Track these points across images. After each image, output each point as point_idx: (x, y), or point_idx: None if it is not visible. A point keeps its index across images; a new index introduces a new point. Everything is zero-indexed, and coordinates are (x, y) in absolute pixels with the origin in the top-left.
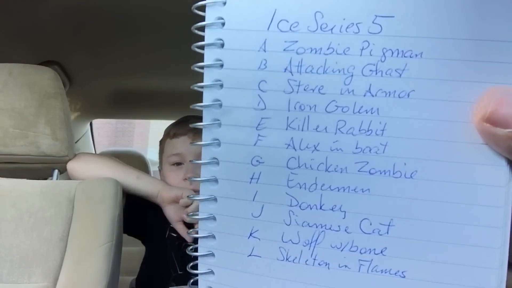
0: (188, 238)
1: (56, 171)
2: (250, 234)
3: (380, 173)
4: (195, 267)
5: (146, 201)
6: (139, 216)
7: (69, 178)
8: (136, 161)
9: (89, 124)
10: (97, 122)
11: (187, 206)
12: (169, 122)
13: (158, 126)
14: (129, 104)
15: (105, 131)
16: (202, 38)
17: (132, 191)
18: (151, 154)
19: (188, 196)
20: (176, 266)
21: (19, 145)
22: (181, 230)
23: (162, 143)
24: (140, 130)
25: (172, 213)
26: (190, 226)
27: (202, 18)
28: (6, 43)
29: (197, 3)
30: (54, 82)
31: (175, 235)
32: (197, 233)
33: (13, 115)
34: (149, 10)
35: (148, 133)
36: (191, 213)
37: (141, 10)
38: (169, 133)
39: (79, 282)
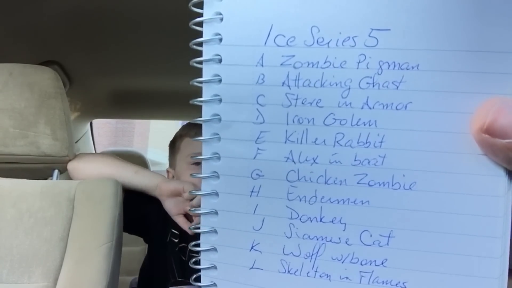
0: (189, 231)
1: (56, 171)
2: (252, 247)
3: (379, 185)
4: (198, 279)
5: (147, 199)
6: (138, 214)
7: (69, 178)
8: (136, 161)
9: (89, 124)
10: (97, 122)
11: (190, 200)
12: (169, 122)
13: (158, 126)
14: (129, 104)
15: (105, 131)
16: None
17: (130, 186)
18: (151, 154)
19: (190, 210)
20: (175, 272)
21: (19, 145)
22: (182, 223)
23: (177, 142)
24: (140, 130)
25: (172, 207)
26: (191, 219)
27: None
28: (6, 43)
29: (195, 19)
30: (54, 82)
31: (175, 240)
32: (199, 246)
33: (13, 115)
34: (149, 10)
35: (148, 133)
36: (193, 226)
37: (141, 10)
38: (189, 133)
39: (79, 282)
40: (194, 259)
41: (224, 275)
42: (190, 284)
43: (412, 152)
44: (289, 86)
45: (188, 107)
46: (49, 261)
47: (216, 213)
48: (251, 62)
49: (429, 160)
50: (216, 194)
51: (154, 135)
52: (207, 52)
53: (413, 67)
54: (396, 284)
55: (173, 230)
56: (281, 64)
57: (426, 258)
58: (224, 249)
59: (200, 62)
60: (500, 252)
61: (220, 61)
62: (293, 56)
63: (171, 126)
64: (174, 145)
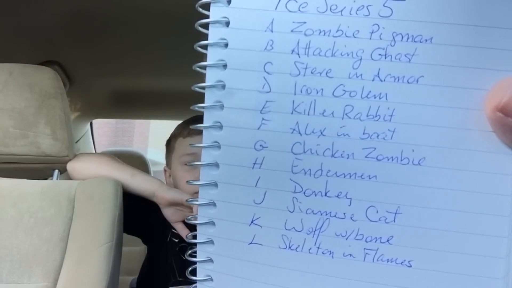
0: (187, 239)
1: (56, 171)
2: (252, 221)
3: (388, 160)
4: (194, 255)
5: (145, 199)
6: (137, 214)
7: (69, 178)
8: (136, 161)
9: (89, 124)
10: (97, 122)
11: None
12: (169, 122)
13: (158, 126)
14: (129, 104)
15: (105, 131)
16: (205, 35)
17: (127, 190)
18: (151, 154)
19: (186, 219)
20: (176, 271)
21: (20, 145)
22: (180, 229)
23: (172, 142)
24: (140, 130)
25: (169, 215)
26: (190, 226)
27: (204, 17)
28: (6, 43)
29: None
30: (54, 82)
31: (176, 240)
32: (196, 219)
33: (13, 115)
34: (149, 10)
35: (148, 133)
36: (190, 199)
37: (141, 10)
38: (182, 132)
39: (79, 282)
40: (190, 233)
41: (221, 250)
42: (191, 283)
43: (422, 127)
44: (298, 54)
45: (188, 107)
46: (49, 261)
47: (216, 185)
48: (260, 27)
49: (439, 136)
50: (217, 165)
51: (154, 135)
52: (214, 14)
53: (426, 40)
54: (402, 263)
55: (173, 230)
56: (292, 31)
57: (433, 236)
58: (222, 222)
59: (207, 27)
60: (508, 231)
61: (227, 24)
62: (305, 22)
63: (171, 126)
64: (169, 145)
